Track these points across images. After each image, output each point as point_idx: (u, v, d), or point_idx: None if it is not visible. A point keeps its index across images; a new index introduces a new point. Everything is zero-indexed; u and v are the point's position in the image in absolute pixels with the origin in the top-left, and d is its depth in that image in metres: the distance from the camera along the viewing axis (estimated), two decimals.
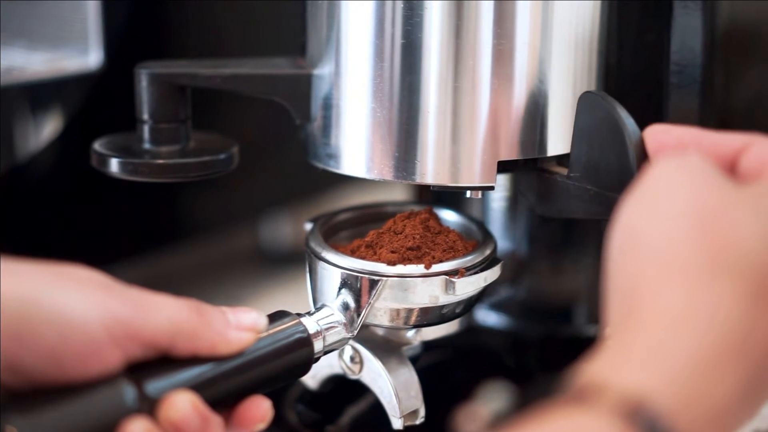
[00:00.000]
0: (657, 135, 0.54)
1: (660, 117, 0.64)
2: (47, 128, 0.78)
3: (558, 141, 0.62)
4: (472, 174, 0.61)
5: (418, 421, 0.64)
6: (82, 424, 0.47)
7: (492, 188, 0.62)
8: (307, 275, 0.65)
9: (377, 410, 0.64)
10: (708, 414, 0.42)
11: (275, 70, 0.66)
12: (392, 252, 0.61)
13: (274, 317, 0.57)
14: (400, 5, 0.60)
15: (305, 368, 0.58)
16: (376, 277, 0.61)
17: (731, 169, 0.51)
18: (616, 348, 0.43)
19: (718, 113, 0.66)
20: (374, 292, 0.61)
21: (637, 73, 0.66)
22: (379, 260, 0.61)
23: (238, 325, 0.53)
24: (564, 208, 0.61)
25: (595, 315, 0.76)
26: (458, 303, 0.63)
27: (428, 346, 0.68)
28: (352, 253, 0.63)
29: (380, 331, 0.65)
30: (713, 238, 0.45)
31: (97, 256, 0.60)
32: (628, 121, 0.55)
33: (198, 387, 0.51)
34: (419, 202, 0.75)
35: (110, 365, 0.48)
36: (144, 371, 0.50)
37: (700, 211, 0.46)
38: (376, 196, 0.73)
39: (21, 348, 0.46)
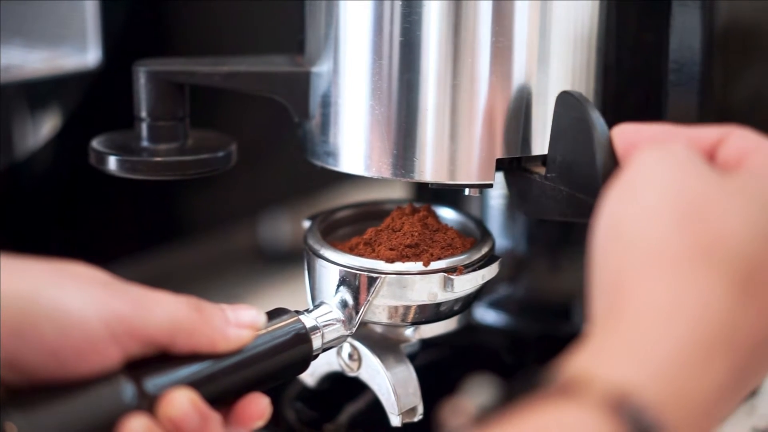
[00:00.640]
0: (626, 135, 0.53)
1: (659, 115, 0.64)
2: (46, 126, 0.78)
3: None
4: (470, 171, 0.61)
5: (416, 419, 0.64)
6: (81, 421, 0.47)
7: (490, 186, 0.62)
8: (306, 273, 0.65)
9: (375, 408, 0.64)
10: (694, 406, 0.41)
11: (273, 68, 0.66)
12: (390, 249, 0.61)
13: (273, 314, 0.57)
14: (398, 3, 0.60)
15: (304, 365, 0.58)
16: (375, 275, 0.61)
17: (710, 162, 0.50)
18: (601, 341, 0.43)
19: (717, 111, 0.66)
20: (373, 289, 0.61)
21: (635, 71, 0.66)
22: (377, 257, 0.61)
23: (237, 323, 0.53)
24: (541, 208, 0.60)
25: None
26: (456, 300, 0.64)
27: (427, 344, 0.68)
28: (351, 251, 0.63)
29: (378, 329, 0.65)
30: (698, 229, 0.44)
31: (97, 254, 0.60)
32: (598, 122, 0.54)
33: (197, 384, 0.51)
34: (418, 200, 0.75)
35: (109, 362, 0.48)
36: (143, 368, 0.50)
37: (684, 201, 0.45)
38: (376, 195, 0.73)
39: (21, 345, 0.46)
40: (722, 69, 0.66)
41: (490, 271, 0.63)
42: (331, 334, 0.60)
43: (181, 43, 0.87)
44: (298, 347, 0.57)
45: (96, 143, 0.66)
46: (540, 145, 0.62)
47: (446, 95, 0.60)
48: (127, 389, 0.48)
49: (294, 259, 0.86)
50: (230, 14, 0.87)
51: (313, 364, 0.59)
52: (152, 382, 0.49)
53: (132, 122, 0.66)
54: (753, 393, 0.74)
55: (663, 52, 0.64)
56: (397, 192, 0.87)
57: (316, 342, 0.58)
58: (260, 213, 0.99)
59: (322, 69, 0.64)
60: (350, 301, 0.61)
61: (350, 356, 0.65)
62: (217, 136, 0.69)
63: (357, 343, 0.64)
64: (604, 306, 0.45)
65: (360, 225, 0.68)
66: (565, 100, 0.58)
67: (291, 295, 0.84)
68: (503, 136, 0.61)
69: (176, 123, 0.65)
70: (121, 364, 0.49)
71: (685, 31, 0.63)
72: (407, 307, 0.62)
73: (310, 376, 0.68)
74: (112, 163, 0.64)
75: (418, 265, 0.61)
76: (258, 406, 0.54)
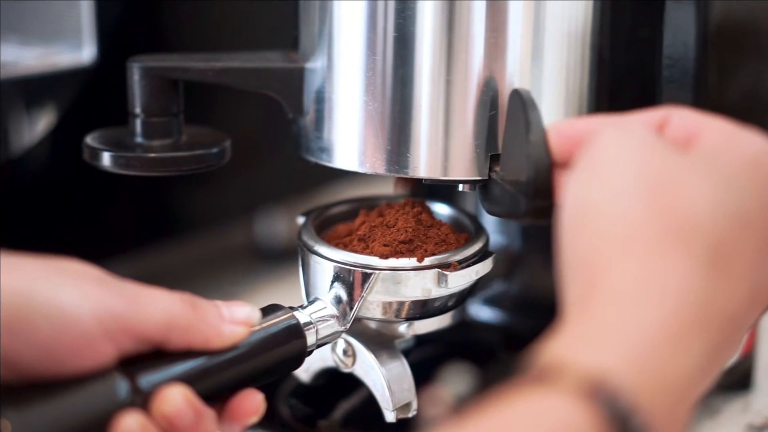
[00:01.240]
0: (563, 131, 0.52)
1: None
2: (41, 123, 0.77)
3: None
4: (464, 167, 0.61)
5: (410, 414, 0.64)
6: (75, 417, 0.47)
7: (484, 182, 0.62)
8: (300, 269, 0.65)
9: (370, 403, 0.64)
10: (670, 387, 0.41)
11: (267, 64, 0.66)
12: (385, 245, 0.62)
13: (267, 311, 0.57)
14: None
15: (298, 361, 0.58)
16: (369, 271, 0.61)
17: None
18: (574, 326, 0.43)
19: (711, 107, 0.66)
20: (367, 285, 0.61)
21: (630, 67, 0.66)
22: (371, 253, 0.61)
23: (232, 319, 0.53)
24: (497, 206, 0.60)
25: None
26: (450, 296, 0.64)
27: (421, 340, 0.68)
28: (345, 247, 0.63)
29: (373, 325, 0.65)
30: (664, 206, 0.44)
31: (92, 251, 0.60)
32: (534, 120, 0.53)
33: (191, 380, 0.51)
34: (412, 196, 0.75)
35: (104, 359, 0.48)
36: (137, 365, 0.50)
37: (649, 180, 0.45)
38: (371, 191, 0.73)
39: (15, 342, 0.46)
40: (716, 65, 0.66)
41: (484, 267, 0.63)
42: (325, 330, 0.60)
43: (177, 40, 0.86)
44: (293, 343, 0.57)
45: (90, 139, 0.66)
46: None
47: (440, 91, 0.60)
48: (122, 386, 0.49)
49: (289, 256, 0.85)
50: (226, 11, 0.87)
51: (308, 360, 0.59)
52: (146, 379, 0.50)
53: (127, 119, 0.66)
54: (747, 388, 0.74)
55: (657, 48, 0.64)
56: (392, 188, 0.87)
57: (311, 338, 0.58)
58: (256, 210, 0.99)
59: (316, 65, 0.64)
60: (344, 297, 0.61)
61: (345, 352, 0.65)
62: (211, 132, 0.69)
63: (351, 339, 0.64)
64: (575, 291, 0.45)
65: (354, 221, 0.68)
66: (513, 98, 0.57)
67: (287, 291, 0.84)
68: (497, 133, 0.61)
69: (170, 119, 0.65)
70: (115, 361, 0.49)
71: (679, 28, 0.63)
72: (401, 303, 0.62)
73: (304, 372, 0.68)
74: (106, 159, 0.64)
75: (412, 261, 0.61)
76: (252, 402, 0.54)
